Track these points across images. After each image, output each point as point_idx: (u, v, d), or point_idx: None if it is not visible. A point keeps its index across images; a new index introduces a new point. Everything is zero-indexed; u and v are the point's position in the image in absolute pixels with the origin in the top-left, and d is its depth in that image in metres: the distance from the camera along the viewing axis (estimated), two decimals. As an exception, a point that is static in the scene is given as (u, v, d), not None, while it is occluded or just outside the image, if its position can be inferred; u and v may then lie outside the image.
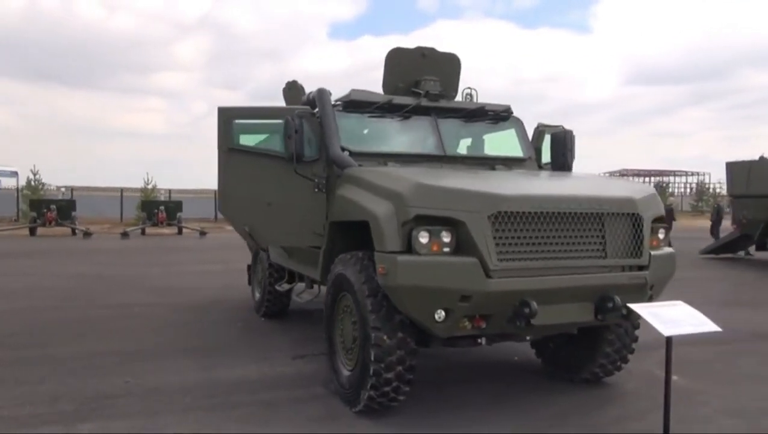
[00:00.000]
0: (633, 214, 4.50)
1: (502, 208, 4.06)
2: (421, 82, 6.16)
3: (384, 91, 6.36)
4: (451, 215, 4.05)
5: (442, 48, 6.51)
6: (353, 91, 5.93)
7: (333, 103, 5.79)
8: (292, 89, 7.16)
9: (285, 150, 5.35)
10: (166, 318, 8.11)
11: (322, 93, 5.68)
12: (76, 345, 6.66)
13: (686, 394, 5.27)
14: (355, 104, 5.85)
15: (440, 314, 4.11)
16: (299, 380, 5.53)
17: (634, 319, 5.02)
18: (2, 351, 6.33)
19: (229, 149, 5.67)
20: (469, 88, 6.78)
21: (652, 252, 4.63)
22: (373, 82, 6.91)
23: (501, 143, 6.52)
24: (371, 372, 4.38)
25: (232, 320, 8.08)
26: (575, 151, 6.50)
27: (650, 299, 4.78)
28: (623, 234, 4.49)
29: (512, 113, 6.49)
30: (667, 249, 4.89)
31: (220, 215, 18.72)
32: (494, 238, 4.03)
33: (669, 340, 3.73)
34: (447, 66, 6.51)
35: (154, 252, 17.69)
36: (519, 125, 6.51)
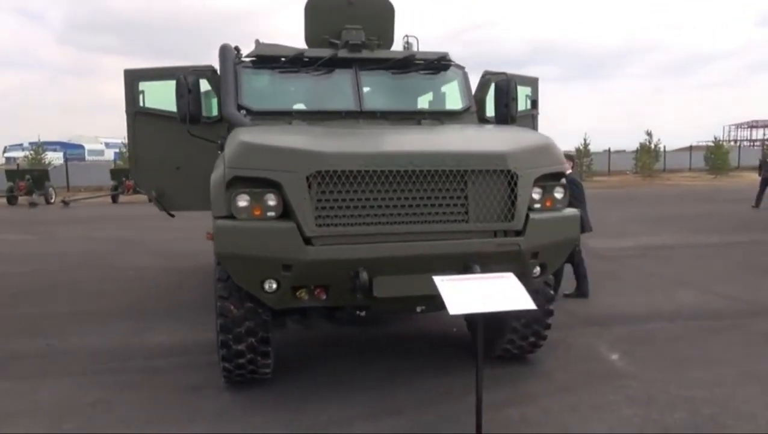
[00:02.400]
0: (503, 171, 3.87)
1: (321, 167, 3.61)
2: (342, 32, 5.67)
3: (307, 45, 5.95)
4: (269, 176, 3.67)
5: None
6: (261, 45, 5.58)
7: (243, 59, 5.48)
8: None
9: (177, 111, 5.14)
10: (149, 281, 8.35)
11: (223, 49, 5.40)
12: (39, 307, 7.02)
13: (610, 377, 4.66)
14: (265, 60, 5.49)
15: (271, 285, 3.78)
16: (211, 347, 5.44)
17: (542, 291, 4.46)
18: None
19: (135, 113, 5.58)
20: (407, 36, 6.19)
21: (534, 215, 3.97)
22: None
23: (438, 94, 5.91)
24: (220, 343, 4.18)
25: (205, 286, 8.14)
26: (519, 100, 5.88)
27: (543, 269, 4.17)
28: (491, 195, 3.87)
29: (450, 61, 5.83)
30: (565, 211, 4.18)
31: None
32: (312, 201, 3.61)
33: (480, 320, 3.16)
34: (378, 14, 5.97)
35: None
36: (461, 75, 5.84)
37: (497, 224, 3.89)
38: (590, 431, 3.75)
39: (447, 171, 3.78)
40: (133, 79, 5.56)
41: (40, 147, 32.59)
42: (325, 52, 5.54)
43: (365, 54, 5.62)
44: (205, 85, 5.48)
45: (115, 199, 23.70)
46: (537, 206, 4.09)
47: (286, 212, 3.70)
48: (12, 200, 23.07)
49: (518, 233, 3.93)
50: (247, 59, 5.50)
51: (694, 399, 4.16)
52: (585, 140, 36.50)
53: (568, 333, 5.73)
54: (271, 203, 3.71)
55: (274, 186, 3.68)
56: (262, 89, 5.49)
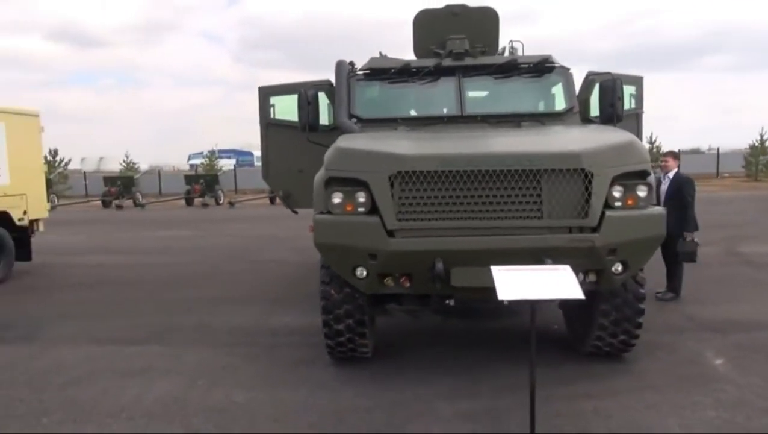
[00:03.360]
0: (577, 170, 4.00)
1: (401, 168, 4.05)
2: (447, 41, 6.06)
3: (416, 55, 6.42)
4: (358, 176, 4.18)
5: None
6: (372, 59, 6.16)
7: (357, 72, 6.09)
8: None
9: (299, 121, 5.88)
10: (285, 272, 9.37)
11: (338, 65, 6.04)
12: (197, 291, 8.24)
13: (706, 380, 4.56)
14: (376, 72, 6.05)
15: (362, 272, 4.29)
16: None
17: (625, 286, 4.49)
18: (138, 293, 8.19)
19: (267, 124, 6.44)
20: (512, 41, 6.41)
21: (611, 212, 4.04)
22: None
23: (542, 96, 6.06)
24: (323, 323, 4.79)
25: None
26: (624, 99, 5.83)
27: (624, 266, 4.21)
28: (566, 192, 4.03)
29: (554, 63, 5.96)
30: (649, 209, 4.18)
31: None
32: (393, 198, 4.06)
33: (533, 308, 3.37)
34: (481, 22, 6.27)
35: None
36: (565, 77, 5.94)
37: (571, 220, 4.04)
38: (663, 429, 3.75)
39: (520, 171, 4.01)
40: (266, 94, 6.44)
41: (213, 155, 36.70)
42: (430, 62, 5.97)
43: (468, 61, 5.95)
44: (324, 98, 6.17)
45: (272, 201, 26.03)
46: (618, 204, 4.16)
47: (374, 208, 4.19)
48: (189, 201, 26.44)
49: (594, 230, 4.04)
50: (361, 72, 6.11)
51: (793, 408, 3.95)
52: (761, 135, 32.90)
53: (679, 337, 5.58)
54: (361, 200, 4.22)
55: (363, 185, 4.18)
56: (372, 99, 6.05)
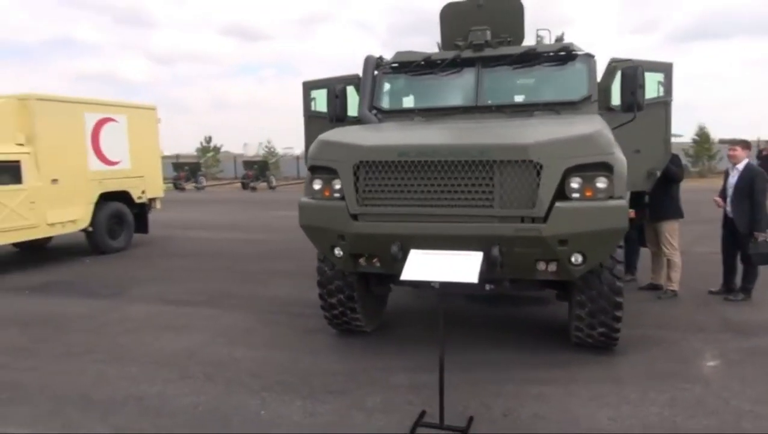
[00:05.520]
0: (526, 161, 4.11)
1: (363, 158, 4.43)
2: (470, 33, 6.22)
3: (444, 48, 6.65)
4: (330, 165, 4.65)
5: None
6: (398, 53, 6.49)
7: (385, 65, 6.49)
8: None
9: (328, 112, 6.43)
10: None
11: (366, 59, 6.45)
12: (261, 265, 9.20)
13: (678, 379, 4.43)
14: (402, 65, 6.40)
15: (338, 251, 4.78)
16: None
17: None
18: (218, 263, 9.32)
19: (309, 116, 7.07)
20: (539, 30, 6.39)
21: (560, 203, 4.10)
22: None
23: (561, 85, 6.01)
24: (318, 296, 5.36)
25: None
26: (651, 86, 5.75)
27: (584, 257, 4.24)
28: (516, 183, 4.17)
29: (576, 50, 5.89)
30: (608, 202, 4.15)
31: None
32: (356, 185, 4.46)
33: (440, 290, 3.60)
34: (507, 12, 6.32)
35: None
36: (587, 65, 5.85)
37: (521, 210, 4.16)
38: (590, 420, 3.80)
39: (471, 162, 4.22)
40: (308, 88, 7.04)
41: (268, 142, 39.42)
42: (450, 54, 6.18)
43: (488, 52, 6.07)
44: (353, 92, 6.64)
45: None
46: (576, 195, 4.20)
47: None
48: (245, 185, 29.35)
49: (543, 220, 4.13)
50: (387, 66, 6.49)
51: (747, 413, 3.78)
52: None
53: (691, 335, 5.37)
54: (337, 186, 4.68)
55: (335, 173, 4.65)
56: (396, 91, 6.41)
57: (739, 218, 6.35)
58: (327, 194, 4.75)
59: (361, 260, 4.78)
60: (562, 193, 4.20)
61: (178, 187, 29.73)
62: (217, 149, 41.83)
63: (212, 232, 13.25)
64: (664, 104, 6.02)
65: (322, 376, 4.59)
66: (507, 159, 4.16)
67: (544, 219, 4.13)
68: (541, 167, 4.10)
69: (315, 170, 4.82)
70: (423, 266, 3.66)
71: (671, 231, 6.71)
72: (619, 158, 4.35)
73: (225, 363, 4.94)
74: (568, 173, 4.17)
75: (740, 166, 6.42)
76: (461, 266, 3.61)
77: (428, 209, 4.36)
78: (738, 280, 6.62)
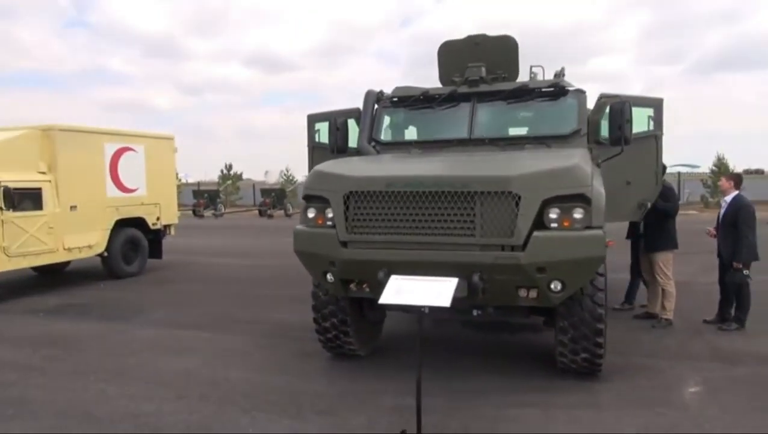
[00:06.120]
0: (505, 193, 4.32)
1: (353, 188, 4.68)
2: (466, 69, 6.49)
3: (442, 83, 6.92)
4: (322, 194, 4.90)
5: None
6: (396, 88, 6.78)
7: (385, 99, 6.78)
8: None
9: (329, 144, 6.72)
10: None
11: (366, 95, 6.76)
12: (267, 290, 9.43)
13: (653, 404, 4.52)
14: (401, 100, 6.68)
15: (330, 277, 5.00)
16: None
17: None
18: (226, 289, 9.57)
19: (313, 147, 7.37)
20: (532, 66, 6.64)
21: (538, 233, 4.29)
22: None
23: (552, 119, 6.23)
24: (313, 320, 5.56)
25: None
26: (641, 121, 6.10)
27: (562, 283, 4.41)
28: (497, 213, 4.36)
29: (566, 86, 6.12)
30: (585, 232, 4.32)
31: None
32: (346, 213, 4.70)
33: (421, 315, 3.79)
34: (502, 50, 6.59)
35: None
36: (578, 100, 6.08)
37: (501, 239, 4.35)
38: None
39: (455, 192, 4.44)
40: (312, 121, 7.35)
41: (287, 171, 39.70)
42: (447, 90, 6.46)
43: (482, 88, 6.33)
44: (353, 124, 6.93)
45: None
46: (554, 225, 4.38)
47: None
48: (261, 212, 29.49)
49: (522, 249, 4.31)
50: (387, 101, 6.79)
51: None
52: None
53: (678, 363, 5.45)
54: (330, 215, 4.92)
55: (327, 202, 4.89)
56: (395, 125, 6.69)
57: (723, 249, 6.52)
58: (320, 222, 4.99)
59: (352, 286, 4.99)
60: (541, 223, 4.39)
61: (197, 214, 30.28)
62: (237, 177, 42.59)
63: (224, 258, 13.55)
64: (654, 138, 6.21)
65: (311, 397, 4.76)
66: (487, 190, 4.37)
67: (523, 247, 4.31)
68: (519, 198, 4.31)
69: (309, 199, 5.08)
70: (400, 290, 3.87)
71: (665, 261, 6.82)
72: (598, 190, 4.53)
73: (219, 383, 5.15)
74: (547, 204, 4.37)
75: (728, 198, 6.56)
76: (436, 292, 3.81)
77: (413, 237, 4.57)
78: (733, 310, 6.68)
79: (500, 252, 4.37)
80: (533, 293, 4.53)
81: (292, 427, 4.21)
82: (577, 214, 4.37)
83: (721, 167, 31.47)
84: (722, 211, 6.74)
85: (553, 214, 4.39)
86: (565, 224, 4.38)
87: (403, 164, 5.21)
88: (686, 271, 6.87)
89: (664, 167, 6.71)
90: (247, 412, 4.47)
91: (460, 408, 4.52)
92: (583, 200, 4.38)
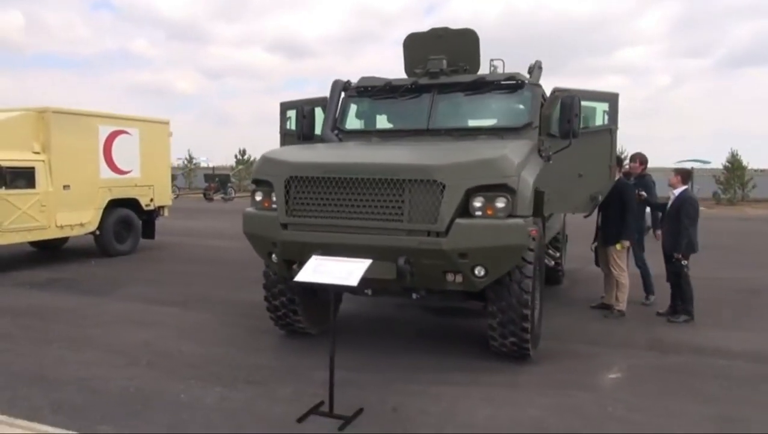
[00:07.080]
0: (431, 181, 4.54)
1: (293, 173, 4.94)
2: (428, 61, 6.68)
3: (407, 74, 7.12)
4: (267, 178, 5.17)
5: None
6: (362, 78, 6.99)
7: (351, 88, 6.99)
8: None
9: (296, 131, 6.98)
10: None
11: (333, 83, 6.98)
12: (245, 272, 9.63)
13: (568, 387, 4.72)
14: (366, 90, 6.90)
15: (274, 258, 5.27)
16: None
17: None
18: (204, 269, 9.91)
19: (284, 134, 7.63)
20: (492, 60, 6.81)
21: (460, 220, 4.51)
22: None
23: (506, 111, 6.41)
24: (264, 298, 5.85)
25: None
26: (597, 115, 6.42)
27: (485, 269, 4.64)
28: (423, 200, 4.59)
29: (522, 80, 6.28)
30: (507, 220, 4.53)
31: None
32: (286, 197, 4.96)
33: (332, 293, 4.03)
34: (464, 43, 6.76)
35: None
36: (533, 93, 6.24)
37: (426, 225, 4.58)
38: (441, 418, 4.15)
39: (384, 180, 4.67)
40: (284, 108, 7.61)
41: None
42: (409, 81, 6.66)
43: (442, 79, 6.52)
44: (320, 113, 7.16)
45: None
46: (478, 213, 4.59)
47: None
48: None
49: (444, 235, 4.53)
50: (353, 90, 7.00)
51: (619, 418, 4.06)
52: None
53: (613, 351, 5.64)
54: (275, 198, 5.19)
55: (272, 186, 5.15)
56: (359, 114, 6.92)
57: (666, 240, 6.71)
58: (267, 205, 5.26)
59: (294, 267, 5.23)
60: (467, 211, 4.61)
61: (207, 197, 30.85)
62: (250, 162, 43.11)
63: (218, 240, 13.91)
64: (609, 132, 6.36)
65: (250, 369, 5.05)
66: (415, 178, 4.59)
67: (446, 233, 4.54)
68: (444, 186, 4.52)
69: (257, 183, 5.34)
70: (316, 270, 4.12)
71: (619, 254, 6.97)
72: (525, 180, 4.72)
73: (171, 354, 5.47)
74: (471, 192, 4.57)
75: (676, 192, 6.70)
76: (347, 271, 4.06)
77: (347, 220, 4.82)
78: (686, 303, 6.81)
79: (425, 237, 4.59)
80: (459, 278, 4.75)
81: (222, 395, 4.49)
82: (500, 203, 4.57)
83: (734, 163, 31.09)
84: (668, 204, 6.90)
85: (478, 202, 4.60)
86: (489, 212, 4.59)
87: (348, 152, 5.46)
88: (661, 264, 7.06)
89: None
90: (185, 380, 4.78)
91: (390, 383, 4.76)
92: (506, 190, 4.58)
